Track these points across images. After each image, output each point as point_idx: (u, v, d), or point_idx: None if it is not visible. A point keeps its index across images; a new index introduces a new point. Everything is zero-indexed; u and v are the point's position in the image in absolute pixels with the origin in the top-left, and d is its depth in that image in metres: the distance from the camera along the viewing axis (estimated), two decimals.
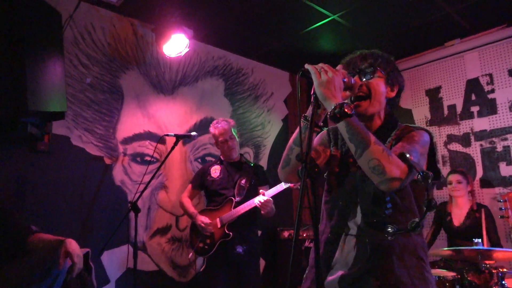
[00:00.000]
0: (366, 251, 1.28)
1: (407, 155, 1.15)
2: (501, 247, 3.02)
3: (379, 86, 1.40)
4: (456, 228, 3.23)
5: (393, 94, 1.42)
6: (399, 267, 1.24)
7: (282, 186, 2.78)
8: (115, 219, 2.92)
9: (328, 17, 3.45)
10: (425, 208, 1.05)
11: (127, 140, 3.19)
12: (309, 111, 1.32)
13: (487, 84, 3.75)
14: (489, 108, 3.72)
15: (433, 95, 4.15)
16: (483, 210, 3.13)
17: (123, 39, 3.29)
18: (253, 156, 4.18)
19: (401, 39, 3.97)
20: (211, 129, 2.99)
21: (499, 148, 3.62)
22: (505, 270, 2.24)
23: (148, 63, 3.43)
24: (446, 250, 2.58)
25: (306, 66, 1.26)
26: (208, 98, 3.84)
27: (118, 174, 3.10)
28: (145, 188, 2.67)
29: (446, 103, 4.04)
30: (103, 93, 3.12)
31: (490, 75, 3.74)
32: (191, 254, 2.88)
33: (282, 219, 4.17)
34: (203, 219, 2.79)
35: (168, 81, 3.55)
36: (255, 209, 2.80)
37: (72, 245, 1.71)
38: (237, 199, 2.83)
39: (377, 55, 1.43)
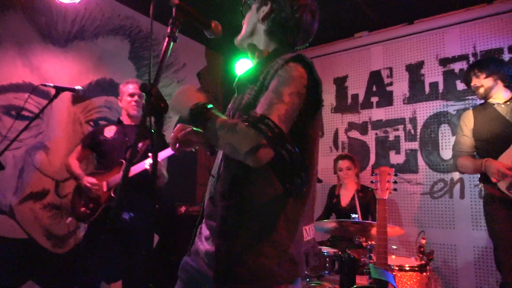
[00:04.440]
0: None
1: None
2: None
3: (249, 17, 1.36)
4: (342, 209, 3.37)
5: (264, 11, 1.30)
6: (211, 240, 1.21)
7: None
8: None
9: None
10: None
11: (0, 90, 2.78)
12: None
13: (387, 77, 3.97)
14: (387, 99, 3.94)
15: (340, 83, 4.29)
16: (367, 191, 3.31)
17: None
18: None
19: None
20: (122, 84, 2.83)
21: (391, 137, 3.86)
22: (373, 242, 2.34)
23: (37, 7, 3.03)
24: (326, 223, 2.66)
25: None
26: (108, 58, 3.53)
27: None
28: (10, 144, 2.33)
29: (350, 92, 4.20)
30: None
31: (390, 69, 3.96)
32: (69, 219, 2.60)
33: (182, 195, 4.03)
34: (90, 180, 2.54)
35: (60, 32, 3.18)
36: (149, 177, 2.61)
37: None
38: None
39: None
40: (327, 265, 2.79)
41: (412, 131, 3.74)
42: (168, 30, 1.17)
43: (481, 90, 2.55)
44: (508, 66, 2.56)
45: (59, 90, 2.54)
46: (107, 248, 2.60)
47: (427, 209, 3.56)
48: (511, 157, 2.33)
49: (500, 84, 2.51)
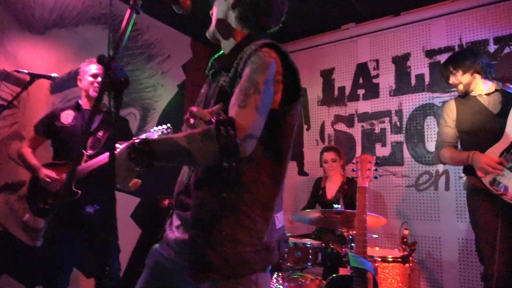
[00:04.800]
0: None
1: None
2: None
3: (217, 5, 1.32)
4: (328, 201, 3.33)
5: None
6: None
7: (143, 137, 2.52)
8: None
9: None
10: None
11: None
12: None
13: (374, 69, 3.94)
14: (373, 91, 3.91)
15: (327, 76, 4.25)
16: (353, 183, 3.28)
17: None
18: (140, 119, 3.89)
19: (301, 19, 3.99)
20: (84, 63, 2.61)
21: (377, 130, 3.83)
22: (354, 232, 2.31)
23: None
24: (309, 213, 2.62)
25: None
26: (90, 47, 3.44)
27: None
28: None
29: (337, 85, 4.16)
30: None
31: (377, 61, 3.93)
32: (27, 216, 2.43)
33: (166, 187, 3.95)
34: (49, 173, 2.34)
35: (38, 19, 3.09)
36: None
37: None
38: (89, 152, 2.42)
39: None
40: (310, 257, 2.76)
41: (398, 124, 3.72)
42: (131, 2, 1.11)
43: (460, 87, 2.51)
44: (483, 56, 2.48)
45: (34, 77, 2.45)
46: (72, 245, 2.41)
47: (412, 202, 3.54)
48: (498, 153, 2.29)
49: (478, 77, 2.46)
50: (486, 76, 2.45)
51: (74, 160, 2.05)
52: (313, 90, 4.30)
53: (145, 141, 1.00)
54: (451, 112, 2.55)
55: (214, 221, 1.07)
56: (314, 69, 4.32)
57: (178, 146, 0.98)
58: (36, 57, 3.06)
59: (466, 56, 2.47)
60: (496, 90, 2.44)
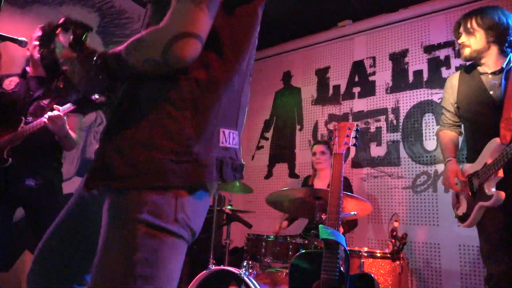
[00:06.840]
0: None
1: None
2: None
3: None
4: None
5: None
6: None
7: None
8: None
9: None
10: None
11: None
12: None
13: (370, 66, 3.76)
14: (369, 89, 3.71)
15: (322, 75, 4.08)
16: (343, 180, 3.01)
17: None
18: None
19: (297, 18, 3.90)
20: (35, 31, 2.41)
21: (372, 128, 3.60)
22: None
23: None
24: (289, 191, 2.36)
25: None
26: None
27: None
28: None
29: (332, 83, 3.98)
30: None
31: (374, 58, 3.76)
32: None
33: None
34: None
35: None
36: (53, 136, 2.21)
37: None
38: (29, 119, 2.20)
39: None
40: (290, 253, 2.48)
41: (395, 122, 3.48)
42: None
43: (466, 52, 2.07)
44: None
45: (0, 38, 2.30)
46: (4, 217, 2.20)
47: (409, 205, 3.24)
48: (469, 172, 2.01)
49: (494, 50, 2.00)
50: (504, 52, 2.01)
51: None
52: (308, 90, 4.12)
53: (102, 56, 0.90)
54: (451, 91, 2.19)
55: (128, 121, 0.86)
56: (309, 68, 4.17)
57: (121, 59, 0.87)
58: (12, 30, 2.92)
59: (500, 20, 1.98)
60: (502, 69, 1.98)
